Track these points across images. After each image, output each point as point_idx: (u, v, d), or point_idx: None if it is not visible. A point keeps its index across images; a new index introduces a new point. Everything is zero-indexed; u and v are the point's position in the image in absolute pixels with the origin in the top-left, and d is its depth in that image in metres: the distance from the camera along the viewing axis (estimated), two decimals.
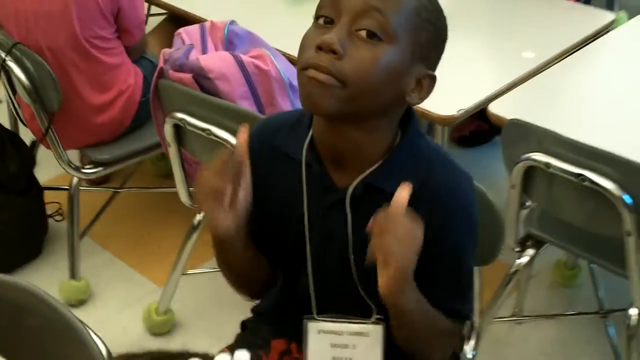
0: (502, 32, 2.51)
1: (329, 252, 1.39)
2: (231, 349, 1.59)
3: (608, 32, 2.47)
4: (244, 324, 1.68)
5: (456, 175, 1.37)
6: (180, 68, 2.04)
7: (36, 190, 2.81)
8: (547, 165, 1.86)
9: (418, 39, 1.24)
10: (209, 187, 1.28)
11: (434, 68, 1.30)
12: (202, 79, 2.01)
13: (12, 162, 2.70)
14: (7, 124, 2.98)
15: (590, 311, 2.54)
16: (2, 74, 2.42)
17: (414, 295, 1.28)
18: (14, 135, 2.75)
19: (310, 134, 1.35)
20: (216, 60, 2.00)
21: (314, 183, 1.36)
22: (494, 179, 2.82)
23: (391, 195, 1.23)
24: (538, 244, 2.17)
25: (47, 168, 3.03)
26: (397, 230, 1.19)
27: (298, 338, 1.48)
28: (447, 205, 1.33)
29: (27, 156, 2.78)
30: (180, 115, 2.07)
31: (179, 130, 2.13)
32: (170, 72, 2.06)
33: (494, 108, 2.10)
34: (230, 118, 1.98)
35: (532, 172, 1.95)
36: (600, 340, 2.44)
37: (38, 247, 2.87)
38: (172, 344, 2.52)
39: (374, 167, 1.31)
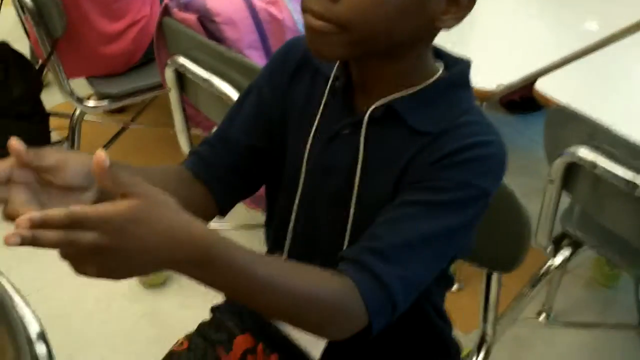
0: None
1: (324, 187, 1.17)
2: (190, 338, 1.44)
3: None
4: (214, 310, 1.50)
5: (490, 135, 1.08)
6: (185, 7, 1.79)
7: (41, 115, 2.60)
8: (594, 165, 1.59)
9: None
10: None
11: None
12: (208, 22, 1.77)
13: (16, 86, 2.50)
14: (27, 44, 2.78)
15: (628, 321, 2.27)
16: None
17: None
18: (20, 58, 2.54)
19: None
20: (224, 2, 1.75)
21: (334, 101, 1.16)
22: (540, 153, 2.53)
23: (411, 129, 1.07)
24: (575, 244, 1.90)
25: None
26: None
27: (267, 337, 1.32)
28: (462, 152, 1.04)
29: (34, 80, 2.56)
30: (181, 60, 1.83)
31: (181, 74, 1.89)
32: (175, 10, 1.81)
33: (542, 86, 1.82)
34: (235, 69, 1.74)
35: (575, 168, 1.68)
36: (635, 357, 2.17)
37: None
38: (166, 297, 2.33)
39: (401, 93, 1.10)
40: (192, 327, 2.37)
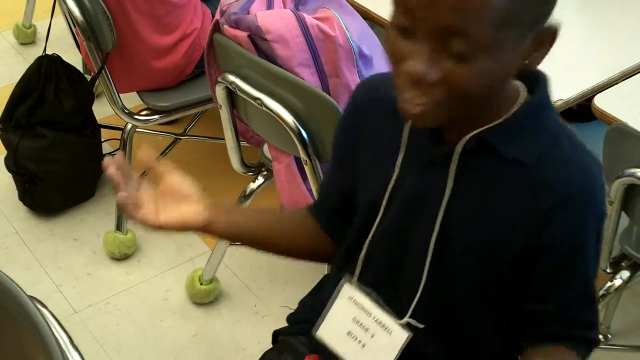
0: (624, 3, 2.10)
1: (416, 215, 1.21)
2: None
3: None
4: (276, 335, 1.50)
5: (585, 155, 1.15)
6: (236, 24, 1.77)
7: (92, 128, 2.61)
8: None
9: (522, 24, 1.02)
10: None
11: (546, 20, 1.07)
12: (259, 40, 1.74)
13: (68, 100, 2.50)
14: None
15: None
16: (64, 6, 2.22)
17: None
18: (71, 70, 2.54)
19: None
20: (275, 20, 1.72)
21: (417, 136, 1.18)
22: None
23: (505, 160, 1.12)
24: (635, 265, 1.85)
25: None
26: None
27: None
28: (572, 184, 1.11)
29: (85, 92, 2.56)
30: (232, 78, 1.82)
31: (232, 91, 1.88)
32: (225, 27, 1.80)
33: (601, 102, 1.76)
34: (286, 89, 1.72)
35: (634, 189, 1.63)
36: None
37: (91, 189, 2.70)
38: (216, 316, 2.32)
39: (491, 124, 1.13)
40: (241, 346, 2.36)
